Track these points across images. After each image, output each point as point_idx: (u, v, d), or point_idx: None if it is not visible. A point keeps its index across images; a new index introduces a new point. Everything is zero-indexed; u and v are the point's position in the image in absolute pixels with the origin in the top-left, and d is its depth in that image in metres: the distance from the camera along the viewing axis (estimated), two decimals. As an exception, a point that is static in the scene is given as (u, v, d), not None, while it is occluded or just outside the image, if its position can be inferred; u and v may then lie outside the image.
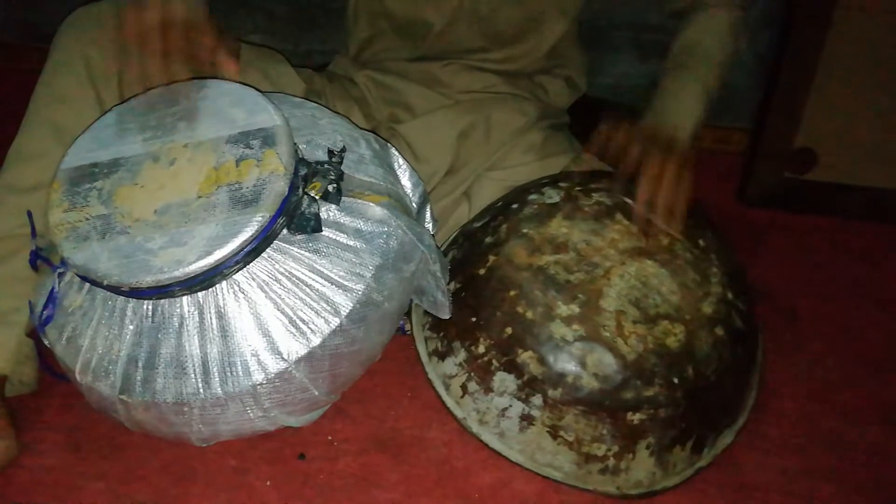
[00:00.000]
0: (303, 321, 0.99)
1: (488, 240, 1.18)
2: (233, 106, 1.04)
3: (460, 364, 1.15)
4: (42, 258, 1.08)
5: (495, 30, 1.30)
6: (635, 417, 1.06)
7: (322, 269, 1.00)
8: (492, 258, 1.15)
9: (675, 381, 1.06)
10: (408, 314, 1.25)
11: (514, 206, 1.20)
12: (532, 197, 1.20)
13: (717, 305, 1.11)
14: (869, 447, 1.21)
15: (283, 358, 0.99)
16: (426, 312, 1.22)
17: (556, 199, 1.18)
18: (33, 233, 1.10)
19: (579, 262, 1.10)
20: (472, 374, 1.13)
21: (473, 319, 1.14)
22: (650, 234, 1.11)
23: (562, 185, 1.21)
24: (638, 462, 1.09)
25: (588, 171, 1.29)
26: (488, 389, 1.11)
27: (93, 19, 1.16)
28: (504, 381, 1.10)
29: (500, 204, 1.25)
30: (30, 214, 1.11)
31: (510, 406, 1.10)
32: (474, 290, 1.15)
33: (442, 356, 1.17)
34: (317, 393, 1.05)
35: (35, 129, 1.15)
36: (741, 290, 1.16)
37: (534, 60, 1.36)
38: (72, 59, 1.14)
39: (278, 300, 0.99)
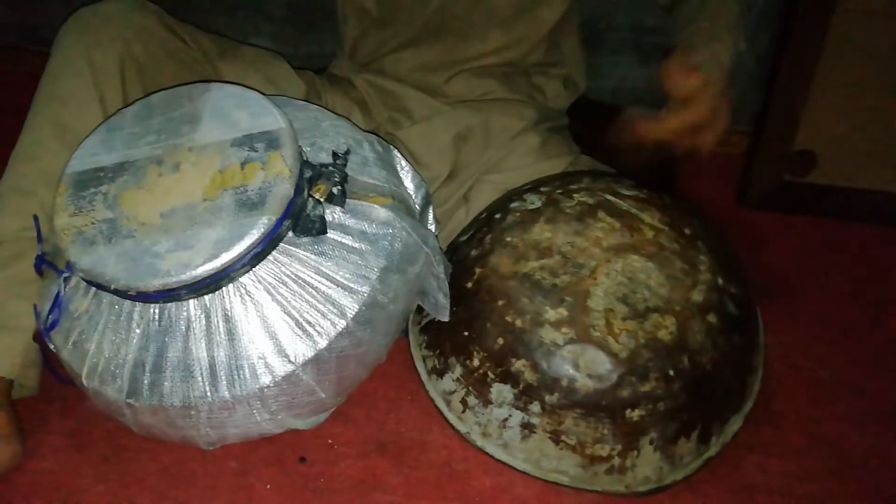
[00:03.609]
0: (309, 323, 0.99)
1: (474, 252, 1.18)
2: (237, 109, 1.05)
3: (458, 379, 1.15)
4: (47, 263, 1.07)
5: (491, 8, 1.27)
6: (634, 414, 1.06)
7: (328, 271, 1.00)
8: (478, 270, 1.15)
9: (671, 373, 1.06)
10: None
11: (497, 215, 1.20)
12: (514, 205, 1.20)
13: (707, 293, 1.11)
14: (869, 449, 1.21)
15: (290, 360, 0.99)
16: (422, 332, 1.22)
17: (538, 203, 1.18)
18: (39, 238, 1.10)
19: (564, 264, 1.10)
20: (470, 388, 1.13)
21: (466, 333, 1.14)
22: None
23: (543, 189, 1.21)
24: (643, 458, 1.09)
25: (568, 172, 1.29)
26: (487, 402, 1.11)
27: (96, 19, 1.16)
28: (501, 391, 1.10)
29: (484, 215, 1.25)
30: (36, 219, 1.10)
31: (510, 416, 1.10)
32: (464, 304, 1.15)
33: (440, 373, 1.18)
34: (323, 395, 1.05)
35: (38, 130, 1.14)
36: (733, 274, 1.16)
37: (531, 48, 1.34)
38: (75, 60, 1.14)
39: (285, 303, 0.99)
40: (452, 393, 1.15)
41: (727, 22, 1.18)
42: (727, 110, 1.09)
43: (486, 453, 1.13)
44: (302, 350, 0.99)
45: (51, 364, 1.14)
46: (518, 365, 1.08)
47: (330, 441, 1.17)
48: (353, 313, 1.01)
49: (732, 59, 1.15)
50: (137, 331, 1.00)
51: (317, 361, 1.00)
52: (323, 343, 0.99)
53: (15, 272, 1.11)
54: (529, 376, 1.07)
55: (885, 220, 1.61)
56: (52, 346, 1.07)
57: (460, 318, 1.15)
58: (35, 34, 1.90)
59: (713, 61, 1.11)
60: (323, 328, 1.00)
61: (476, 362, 1.12)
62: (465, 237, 1.25)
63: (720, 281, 1.13)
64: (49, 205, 1.05)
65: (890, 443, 1.22)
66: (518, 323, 1.09)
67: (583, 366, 1.05)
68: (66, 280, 1.05)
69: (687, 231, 1.15)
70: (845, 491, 1.15)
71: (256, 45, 1.41)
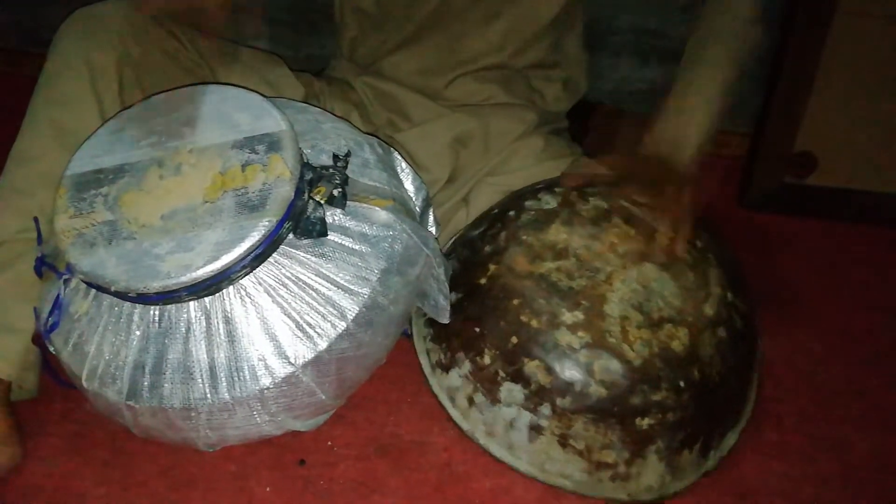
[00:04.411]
0: (309, 325, 0.99)
1: (487, 248, 1.17)
2: (237, 111, 1.04)
3: (465, 376, 1.14)
4: (47, 265, 1.07)
5: (489, 2, 1.27)
6: (644, 423, 1.06)
7: (328, 273, 1.00)
8: (492, 267, 1.14)
9: (682, 384, 1.06)
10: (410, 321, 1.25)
11: (511, 212, 1.20)
12: (528, 203, 1.19)
13: (718, 307, 1.10)
14: (871, 452, 1.21)
15: (290, 362, 0.99)
16: (427, 324, 1.22)
17: (554, 204, 1.17)
18: (39, 239, 1.09)
19: (580, 267, 1.09)
20: (479, 385, 1.12)
21: (477, 330, 1.13)
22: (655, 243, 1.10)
23: (557, 189, 1.20)
24: (648, 467, 1.08)
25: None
26: (495, 400, 1.11)
27: (93, 20, 1.16)
28: (511, 391, 1.09)
29: (496, 211, 1.24)
30: (36, 221, 1.10)
31: (518, 416, 1.09)
32: (476, 300, 1.15)
33: (446, 368, 1.17)
34: (324, 397, 1.05)
35: (35, 131, 1.14)
36: (740, 289, 1.16)
37: (529, 44, 1.33)
38: (72, 60, 1.13)
39: (285, 304, 0.99)
40: (458, 389, 1.15)
41: (722, 64, 1.18)
42: (690, 202, 1.10)
43: (489, 453, 1.12)
44: (302, 352, 0.99)
45: (51, 367, 1.14)
46: (531, 366, 1.07)
47: (330, 443, 1.17)
48: (354, 315, 1.00)
49: (711, 129, 1.16)
50: (137, 333, 1.00)
51: (317, 363, 1.00)
52: (323, 345, 0.99)
53: (14, 274, 1.11)
54: (542, 378, 1.07)
55: (886, 222, 1.61)
56: (52, 349, 1.07)
57: (472, 313, 1.14)
58: (35, 37, 1.90)
59: (675, 147, 1.13)
60: (323, 330, 0.99)
61: (487, 360, 1.11)
62: (475, 232, 1.23)
63: (729, 296, 1.13)
64: (48, 206, 1.05)
65: (892, 445, 1.22)
66: (534, 323, 1.08)
67: (597, 371, 1.05)
68: (66, 282, 1.05)
69: (698, 243, 1.14)
70: (847, 494, 1.15)
71: (255, 47, 1.41)
